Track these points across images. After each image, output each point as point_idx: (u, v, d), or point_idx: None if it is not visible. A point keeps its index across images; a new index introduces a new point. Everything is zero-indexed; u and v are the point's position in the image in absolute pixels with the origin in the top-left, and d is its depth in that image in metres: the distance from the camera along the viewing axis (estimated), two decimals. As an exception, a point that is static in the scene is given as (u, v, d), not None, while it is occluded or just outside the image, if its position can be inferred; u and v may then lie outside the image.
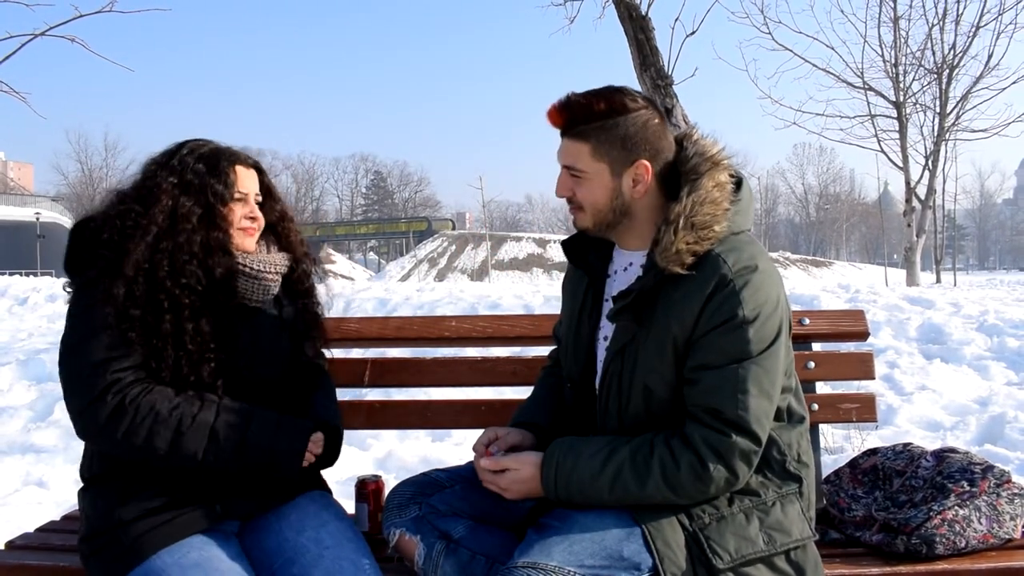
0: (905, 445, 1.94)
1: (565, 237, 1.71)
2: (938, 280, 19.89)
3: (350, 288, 10.01)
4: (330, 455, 1.64)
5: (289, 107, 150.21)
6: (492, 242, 46.21)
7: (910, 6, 15.84)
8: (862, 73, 16.19)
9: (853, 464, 1.96)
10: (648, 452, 1.41)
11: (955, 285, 17.56)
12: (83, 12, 8.05)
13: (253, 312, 1.64)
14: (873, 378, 2.15)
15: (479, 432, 1.64)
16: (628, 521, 1.40)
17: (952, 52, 15.80)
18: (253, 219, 1.63)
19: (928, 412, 4.38)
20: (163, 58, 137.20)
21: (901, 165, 16.12)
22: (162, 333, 1.49)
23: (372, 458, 3.88)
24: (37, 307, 9.46)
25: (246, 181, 1.63)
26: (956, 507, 1.66)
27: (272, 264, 1.65)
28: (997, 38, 15.17)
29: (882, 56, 16.20)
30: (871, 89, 16.17)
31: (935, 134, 16.11)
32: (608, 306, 1.57)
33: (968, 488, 1.71)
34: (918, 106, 16.38)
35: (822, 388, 2.18)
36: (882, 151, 16.56)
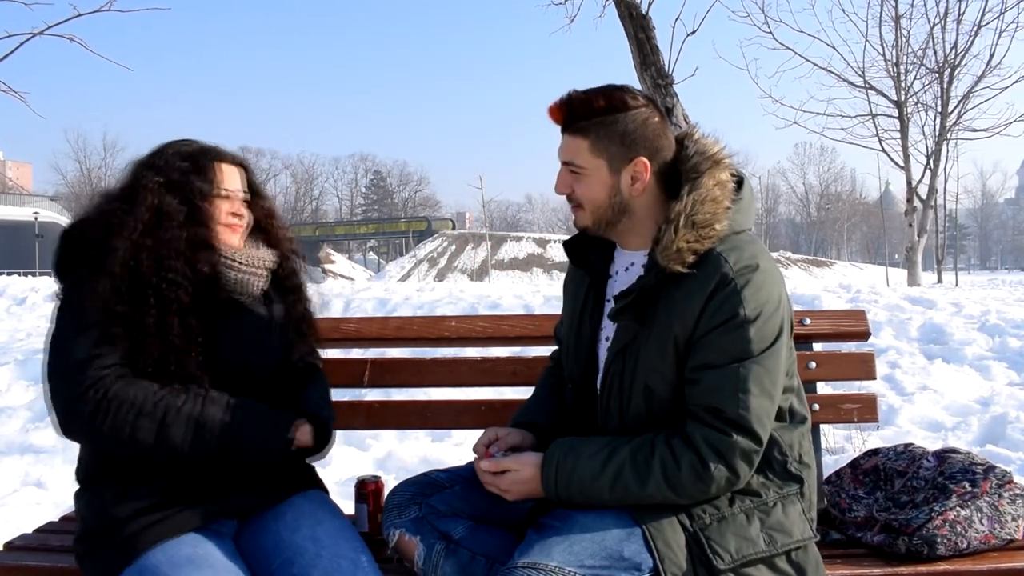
0: (906, 445, 1.93)
1: (566, 237, 1.71)
2: (939, 280, 19.87)
3: (350, 288, 9.98)
4: (318, 447, 1.65)
5: (289, 107, 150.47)
6: (492, 242, 46.18)
7: (911, 5, 15.83)
8: (863, 72, 16.18)
9: (854, 465, 1.95)
10: (649, 452, 1.40)
11: (956, 285, 17.57)
12: (82, 11, 8.04)
13: (241, 308, 1.65)
14: (874, 378, 2.14)
15: (479, 432, 1.64)
16: (628, 521, 1.39)
17: (954, 51, 15.78)
18: (238, 216, 1.65)
19: (929, 412, 4.38)
20: (162, 57, 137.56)
21: (902, 165, 16.10)
22: (147, 328, 1.50)
23: (372, 458, 3.88)
24: (35, 307, 9.44)
25: (230, 179, 1.65)
26: (958, 508, 1.66)
27: (259, 259, 1.67)
28: (999, 37, 15.17)
29: (883, 55, 16.19)
30: (872, 88, 16.17)
31: (936, 133, 16.09)
32: (609, 306, 1.56)
33: (970, 489, 1.71)
34: (919, 105, 16.37)
35: (823, 388, 2.17)
36: (883, 151, 16.54)
